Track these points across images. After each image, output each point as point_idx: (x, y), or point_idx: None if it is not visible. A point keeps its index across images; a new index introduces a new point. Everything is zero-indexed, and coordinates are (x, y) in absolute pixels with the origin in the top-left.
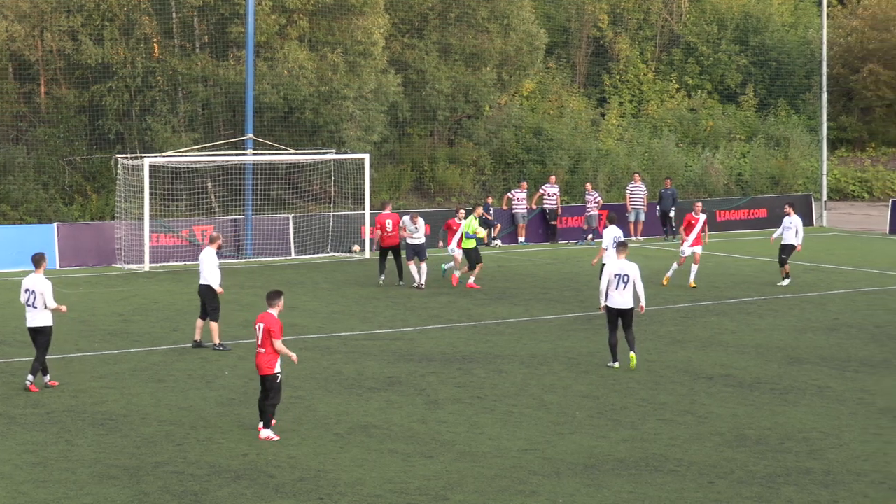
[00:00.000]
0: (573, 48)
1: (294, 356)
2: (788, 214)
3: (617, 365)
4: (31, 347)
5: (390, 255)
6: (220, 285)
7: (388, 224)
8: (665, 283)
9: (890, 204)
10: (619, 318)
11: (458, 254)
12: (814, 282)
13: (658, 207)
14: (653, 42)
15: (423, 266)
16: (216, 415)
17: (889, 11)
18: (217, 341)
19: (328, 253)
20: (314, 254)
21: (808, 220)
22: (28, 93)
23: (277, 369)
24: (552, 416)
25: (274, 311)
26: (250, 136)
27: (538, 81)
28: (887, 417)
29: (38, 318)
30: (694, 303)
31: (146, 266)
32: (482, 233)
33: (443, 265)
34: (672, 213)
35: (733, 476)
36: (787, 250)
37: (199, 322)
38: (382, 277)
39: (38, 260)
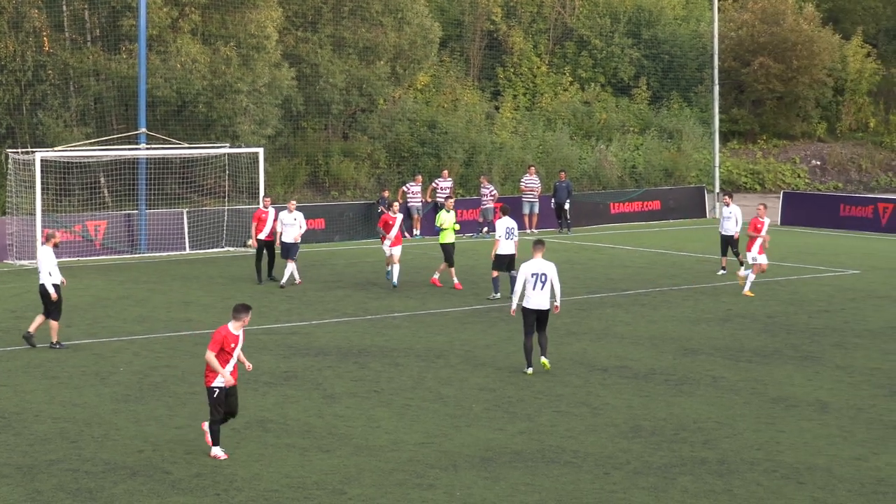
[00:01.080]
0: (467, 41)
1: (227, 379)
2: (727, 205)
3: (531, 371)
4: None
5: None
6: (62, 282)
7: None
8: (750, 294)
9: (781, 195)
10: (536, 320)
11: (393, 253)
12: (707, 273)
13: (553, 200)
14: (546, 35)
15: (291, 264)
16: (111, 411)
17: (778, 5)
18: (55, 339)
19: (223, 248)
20: (209, 248)
21: (700, 212)
22: None
23: (214, 383)
24: (449, 409)
25: (231, 325)
26: (143, 130)
27: (432, 75)
28: (779, 406)
29: None
30: (589, 294)
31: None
32: (455, 225)
33: (388, 275)
34: (567, 206)
35: (629, 467)
36: (732, 241)
37: (40, 318)
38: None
39: None
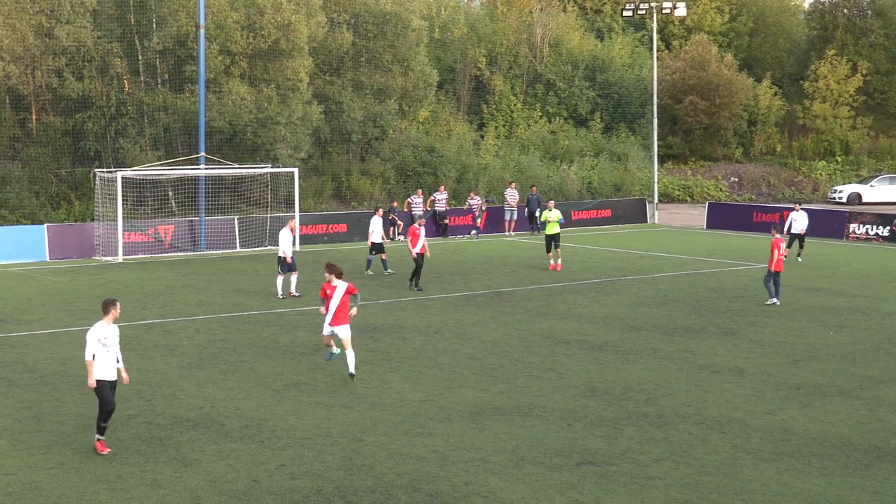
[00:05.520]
0: (458, 84)
1: None
2: (797, 210)
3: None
4: (23, 323)
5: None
6: None
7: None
8: None
9: (707, 205)
10: None
11: (336, 333)
12: (648, 266)
13: (526, 209)
14: (521, 79)
15: (294, 276)
16: (177, 376)
17: (704, 55)
18: None
19: (266, 247)
20: (255, 247)
21: (642, 219)
22: (22, 119)
23: None
24: (444, 374)
25: None
26: (203, 154)
27: (431, 110)
28: (705, 372)
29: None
30: (554, 283)
31: (120, 258)
32: (554, 218)
33: (329, 356)
34: (537, 213)
35: (587, 419)
36: (801, 238)
37: None
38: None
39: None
